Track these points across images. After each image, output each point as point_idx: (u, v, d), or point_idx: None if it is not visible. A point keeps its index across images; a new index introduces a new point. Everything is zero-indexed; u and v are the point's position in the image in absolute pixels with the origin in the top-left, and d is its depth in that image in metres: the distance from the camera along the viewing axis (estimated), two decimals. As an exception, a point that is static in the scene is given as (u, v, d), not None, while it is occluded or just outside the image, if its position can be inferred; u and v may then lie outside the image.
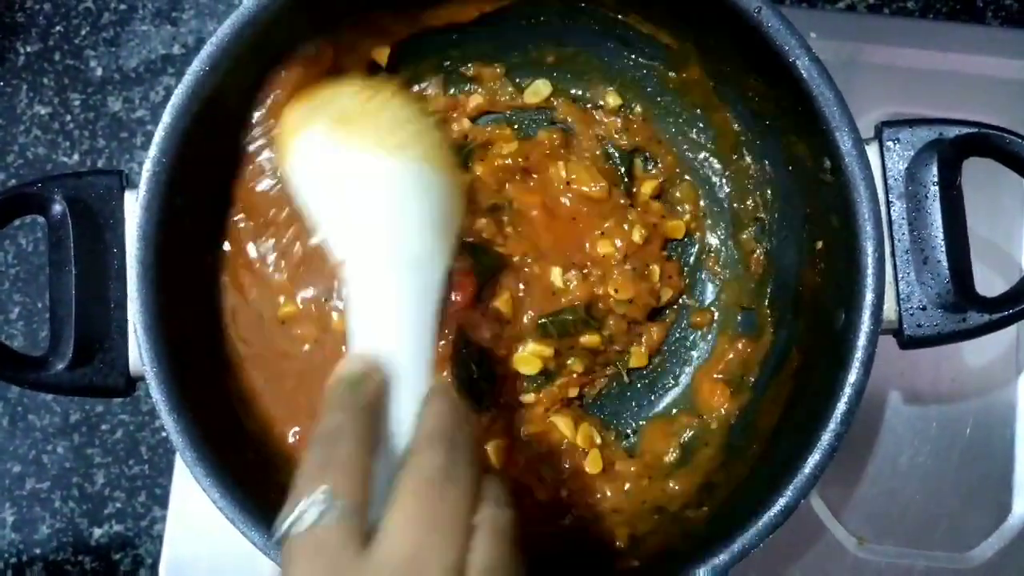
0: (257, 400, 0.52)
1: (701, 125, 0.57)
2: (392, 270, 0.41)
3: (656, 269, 0.55)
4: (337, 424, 0.35)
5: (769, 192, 0.55)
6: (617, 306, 0.54)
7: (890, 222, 0.47)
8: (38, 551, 0.66)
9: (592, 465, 0.54)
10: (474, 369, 0.53)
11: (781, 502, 0.44)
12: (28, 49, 0.71)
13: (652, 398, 0.57)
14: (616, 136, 0.58)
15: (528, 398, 0.54)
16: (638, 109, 0.58)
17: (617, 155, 0.58)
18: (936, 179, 0.47)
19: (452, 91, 0.58)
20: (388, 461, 0.36)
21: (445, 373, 0.52)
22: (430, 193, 0.43)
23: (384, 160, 0.42)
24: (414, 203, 0.42)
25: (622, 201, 0.55)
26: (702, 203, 0.58)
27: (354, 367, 0.38)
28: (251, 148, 0.51)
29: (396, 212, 0.42)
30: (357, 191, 0.42)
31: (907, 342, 0.47)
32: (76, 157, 0.70)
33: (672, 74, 0.56)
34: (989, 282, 0.52)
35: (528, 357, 0.53)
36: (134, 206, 0.47)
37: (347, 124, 0.43)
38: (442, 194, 0.44)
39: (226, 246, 0.52)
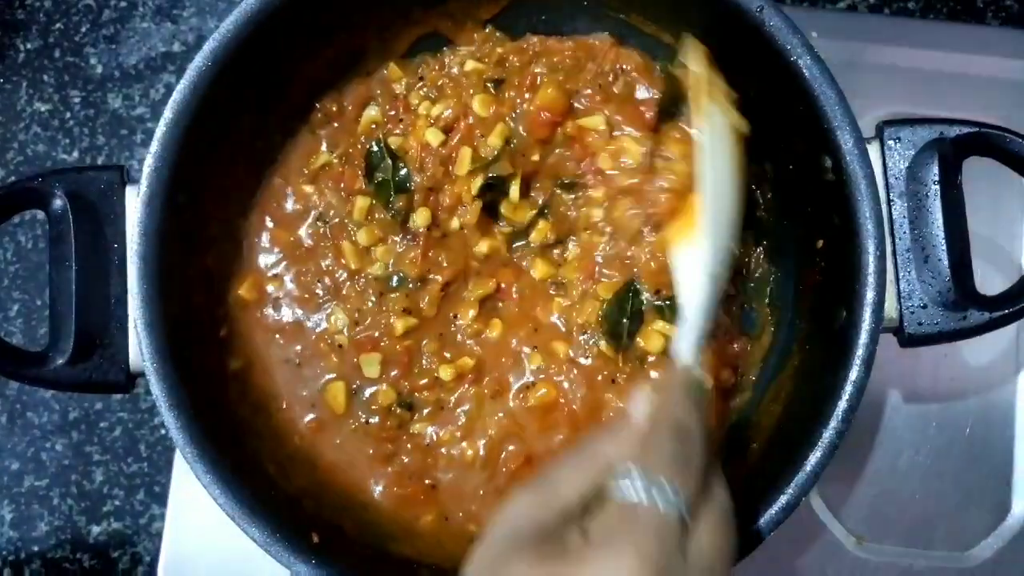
0: (257, 395, 0.52)
1: (702, 124, 0.57)
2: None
3: None
4: (692, 424, 0.39)
5: (770, 191, 0.55)
6: None
7: (891, 221, 0.47)
8: (36, 548, 0.66)
9: None
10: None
11: (782, 500, 0.44)
12: (28, 46, 0.71)
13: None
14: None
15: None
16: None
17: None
18: (937, 178, 0.47)
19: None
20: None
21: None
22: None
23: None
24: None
25: None
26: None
27: (696, 376, 0.43)
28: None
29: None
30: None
31: (907, 340, 0.47)
32: (76, 154, 0.70)
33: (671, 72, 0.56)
34: (989, 281, 0.52)
35: None
36: (135, 201, 0.47)
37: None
38: None
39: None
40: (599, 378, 0.53)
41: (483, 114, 0.53)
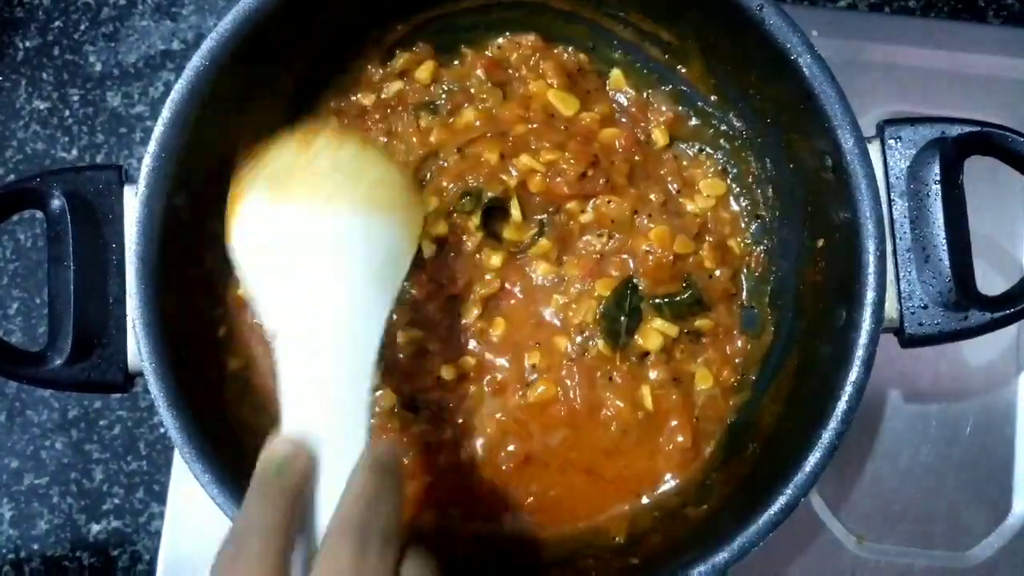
0: (257, 395, 0.52)
1: (701, 123, 0.57)
2: (322, 340, 0.39)
3: None
4: (252, 515, 0.34)
5: (770, 190, 0.55)
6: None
7: (891, 220, 0.47)
8: (36, 547, 0.66)
9: None
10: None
11: (781, 500, 0.44)
12: (27, 44, 0.71)
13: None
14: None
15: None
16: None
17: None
18: (938, 177, 0.47)
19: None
20: (312, 548, 0.35)
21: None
22: (367, 240, 0.41)
23: (314, 212, 0.40)
24: (347, 257, 0.40)
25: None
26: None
27: (280, 450, 0.36)
28: None
29: (327, 271, 0.40)
30: (286, 253, 0.40)
31: (908, 341, 0.47)
32: (75, 152, 0.70)
33: (673, 72, 0.56)
34: (990, 281, 0.52)
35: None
36: (133, 201, 0.47)
37: (283, 183, 0.41)
38: (385, 236, 0.41)
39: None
40: (598, 375, 0.53)
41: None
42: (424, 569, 0.35)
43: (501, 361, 0.53)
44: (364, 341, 0.40)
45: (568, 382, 0.53)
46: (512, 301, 0.54)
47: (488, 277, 0.53)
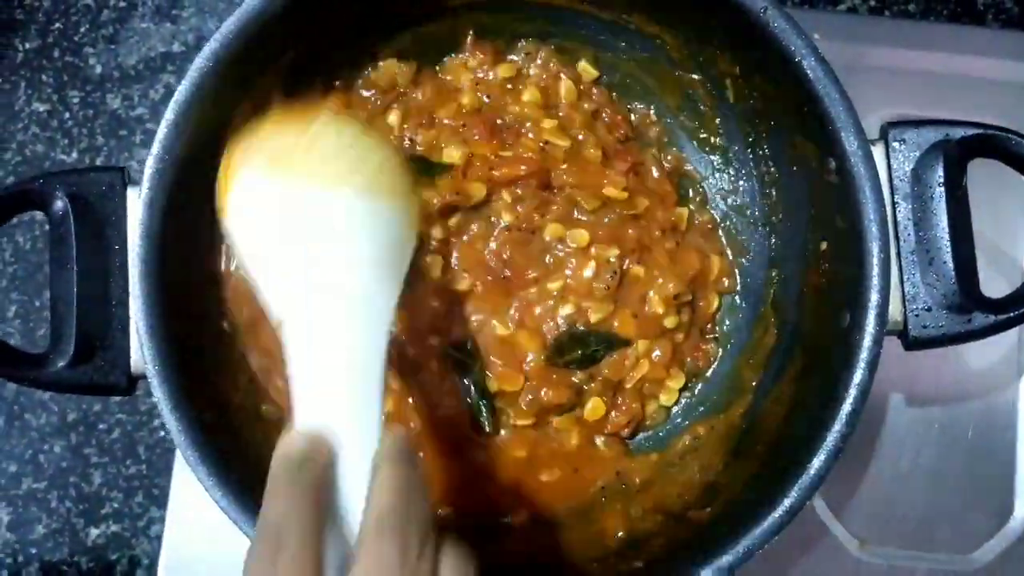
0: (261, 395, 0.52)
1: (704, 125, 0.57)
2: (333, 328, 0.37)
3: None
4: (282, 513, 0.33)
5: (773, 193, 0.55)
6: None
7: (895, 223, 0.47)
8: (34, 551, 0.65)
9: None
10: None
11: (786, 503, 0.44)
12: (27, 46, 0.71)
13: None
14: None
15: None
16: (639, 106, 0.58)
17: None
18: (942, 180, 0.47)
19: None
20: (341, 543, 0.34)
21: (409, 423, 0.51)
22: (373, 226, 0.40)
23: (319, 195, 0.38)
24: (355, 241, 0.39)
25: None
26: (706, 203, 0.58)
27: (297, 445, 0.35)
28: None
29: (335, 255, 0.38)
30: (290, 235, 0.39)
31: (912, 343, 0.47)
32: (75, 155, 0.69)
33: (676, 73, 0.56)
34: (992, 283, 0.51)
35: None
36: (136, 203, 0.46)
37: (283, 161, 0.39)
38: (389, 222, 0.40)
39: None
40: None
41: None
42: (463, 562, 0.34)
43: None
44: (376, 328, 0.38)
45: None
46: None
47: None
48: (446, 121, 0.54)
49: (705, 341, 0.56)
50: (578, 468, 0.54)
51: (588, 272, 0.53)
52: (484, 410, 0.53)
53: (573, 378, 0.53)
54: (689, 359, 0.56)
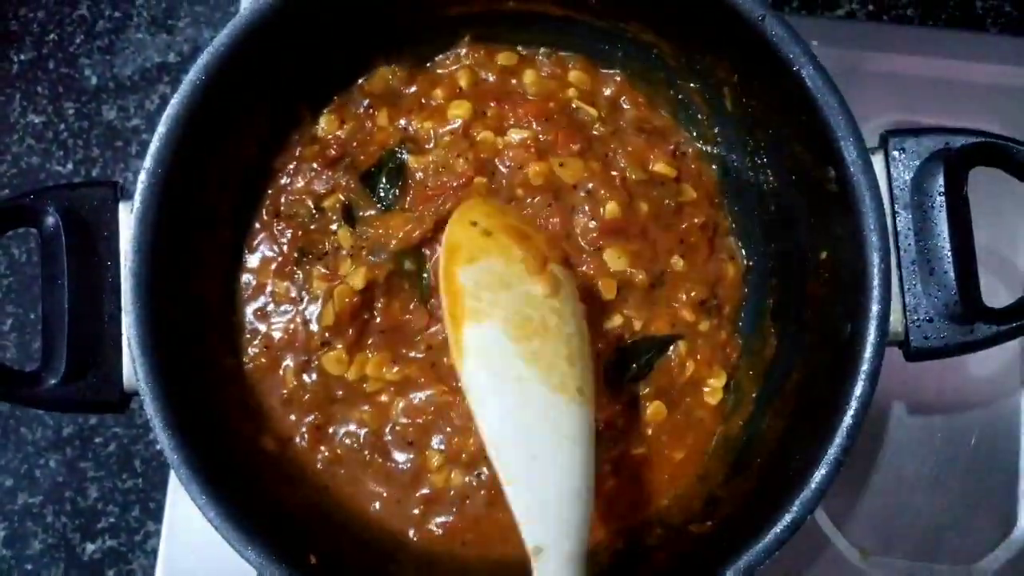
0: (252, 411, 0.51)
1: (703, 133, 0.57)
2: (548, 487, 0.40)
3: None
4: None
5: (773, 202, 0.54)
6: None
7: (895, 232, 0.46)
8: (30, 567, 0.65)
9: None
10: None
11: (788, 518, 0.44)
12: (22, 57, 0.71)
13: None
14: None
15: None
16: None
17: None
18: (942, 188, 0.46)
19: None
20: None
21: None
22: (586, 427, 0.42)
23: (555, 391, 0.41)
24: (574, 446, 0.41)
25: None
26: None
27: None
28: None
29: (562, 452, 0.41)
30: (545, 447, 0.41)
31: (913, 354, 0.47)
32: (70, 166, 0.69)
33: (676, 82, 0.56)
34: (993, 292, 0.51)
35: None
36: (129, 218, 0.46)
37: (526, 335, 0.42)
38: (590, 423, 0.42)
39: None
40: None
41: None
42: None
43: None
44: (585, 496, 0.41)
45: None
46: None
47: None
48: (442, 101, 0.54)
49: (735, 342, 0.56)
50: None
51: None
52: None
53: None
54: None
